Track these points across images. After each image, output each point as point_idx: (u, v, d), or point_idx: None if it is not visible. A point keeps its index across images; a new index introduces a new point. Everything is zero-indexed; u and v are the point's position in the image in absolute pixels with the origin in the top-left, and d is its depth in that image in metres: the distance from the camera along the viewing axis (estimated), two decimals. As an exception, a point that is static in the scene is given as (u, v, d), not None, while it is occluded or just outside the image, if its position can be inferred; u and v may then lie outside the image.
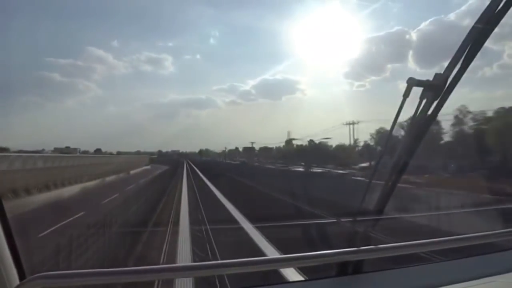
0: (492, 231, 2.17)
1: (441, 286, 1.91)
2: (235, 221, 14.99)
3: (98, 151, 46.25)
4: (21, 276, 1.51)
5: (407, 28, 52.65)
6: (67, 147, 43.42)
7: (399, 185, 1.95)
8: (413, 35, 51.43)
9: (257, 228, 12.21)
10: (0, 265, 1.42)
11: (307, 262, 1.82)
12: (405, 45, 49.35)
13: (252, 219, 14.14)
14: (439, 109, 1.78)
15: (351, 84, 56.51)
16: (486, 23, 1.68)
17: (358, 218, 2.03)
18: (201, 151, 67.81)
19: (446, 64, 1.76)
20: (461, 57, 1.73)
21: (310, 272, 2.30)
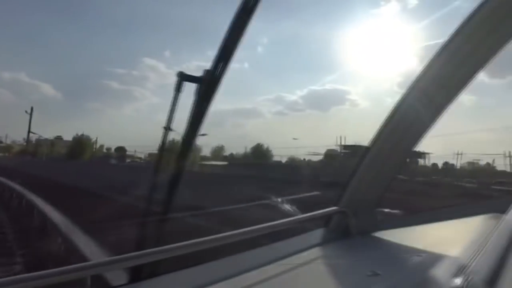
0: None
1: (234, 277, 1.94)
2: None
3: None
4: None
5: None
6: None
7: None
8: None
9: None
10: None
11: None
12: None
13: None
14: (208, 106, 1.71)
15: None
16: (250, 12, 1.61)
17: (147, 219, 1.92)
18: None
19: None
20: (230, 51, 1.66)
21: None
